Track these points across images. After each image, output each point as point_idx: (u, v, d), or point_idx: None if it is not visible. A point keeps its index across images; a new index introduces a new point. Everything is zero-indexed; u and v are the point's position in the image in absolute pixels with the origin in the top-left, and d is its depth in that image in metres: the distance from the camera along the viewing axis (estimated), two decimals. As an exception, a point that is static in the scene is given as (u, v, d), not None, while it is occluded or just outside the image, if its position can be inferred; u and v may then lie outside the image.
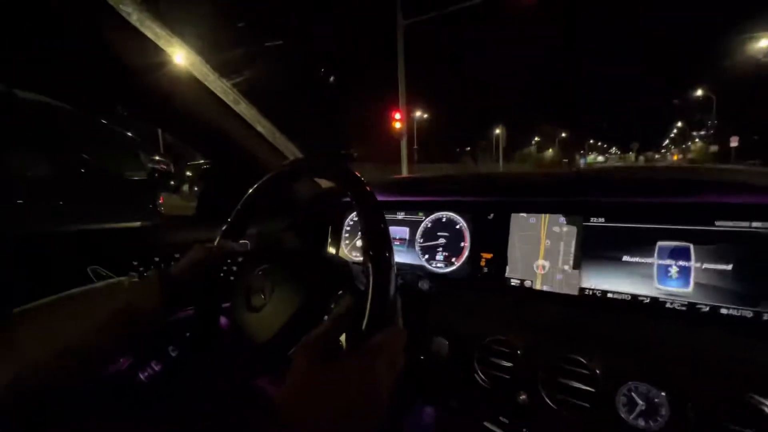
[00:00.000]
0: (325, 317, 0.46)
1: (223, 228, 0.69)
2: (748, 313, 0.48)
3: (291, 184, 0.87)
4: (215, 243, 0.62)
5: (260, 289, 0.57)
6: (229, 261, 0.69)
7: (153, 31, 0.70)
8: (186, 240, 0.95)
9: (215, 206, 1.05)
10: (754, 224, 0.49)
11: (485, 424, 0.55)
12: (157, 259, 0.91)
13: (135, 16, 0.66)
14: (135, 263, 0.87)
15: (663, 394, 0.44)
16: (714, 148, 21.04)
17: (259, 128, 0.95)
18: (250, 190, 0.68)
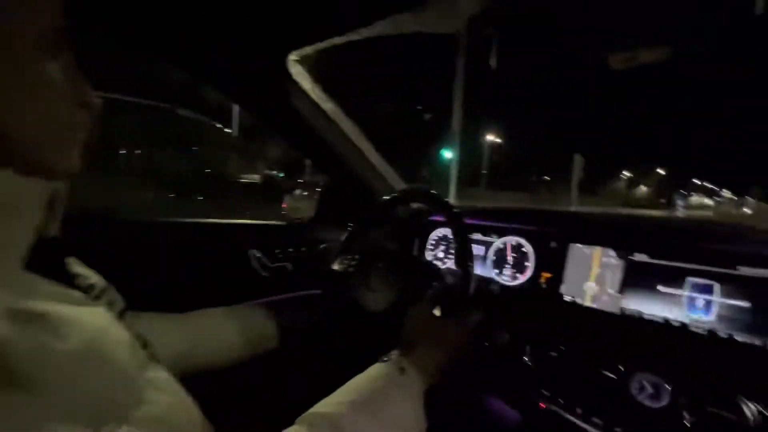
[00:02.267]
0: (427, 295, 0.69)
1: (346, 236, 0.98)
2: (758, 342, 0.61)
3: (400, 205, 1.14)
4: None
5: (376, 278, 0.84)
6: (349, 257, 0.97)
7: (316, 93, 1.03)
8: (310, 238, 1.28)
9: (331, 213, 1.37)
10: (771, 272, 0.62)
11: (544, 392, 0.74)
12: (291, 250, 1.24)
13: (309, 86, 1.00)
14: (277, 251, 1.21)
15: (666, 384, 0.59)
16: None
17: (372, 159, 1.25)
18: (372, 207, 0.96)
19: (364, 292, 0.85)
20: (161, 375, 0.38)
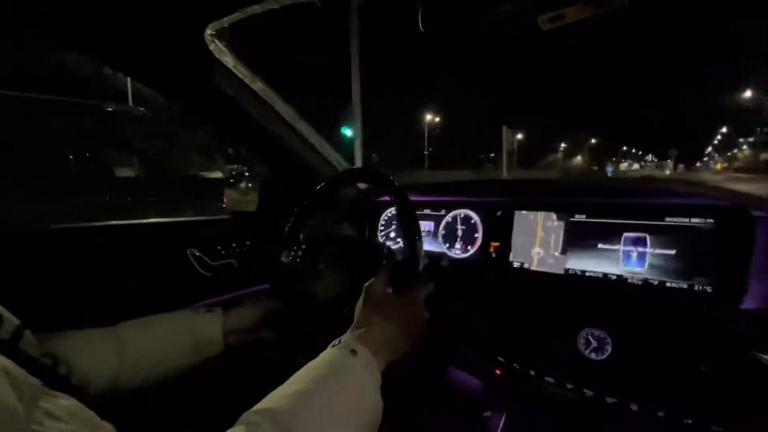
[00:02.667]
0: (377, 274, 0.66)
1: (289, 225, 0.92)
2: (684, 285, 0.65)
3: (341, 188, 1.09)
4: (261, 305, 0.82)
5: (324, 264, 0.80)
6: (295, 247, 0.92)
7: (240, 71, 0.94)
8: (255, 231, 1.20)
9: (275, 202, 1.29)
10: (693, 220, 0.66)
11: (499, 359, 0.75)
12: (234, 245, 1.16)
13: (232, 63, 0.90)
14: (219, 248, 1.12)
15: (609, 336, 0.62)
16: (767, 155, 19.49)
17: (312, 141, 1.18)
18: (313, 193, 0.91)
19: (313, 282, 0.80)
20: (61, 403, 0.33)
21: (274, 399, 0.43)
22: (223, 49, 0.89)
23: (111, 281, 0.90)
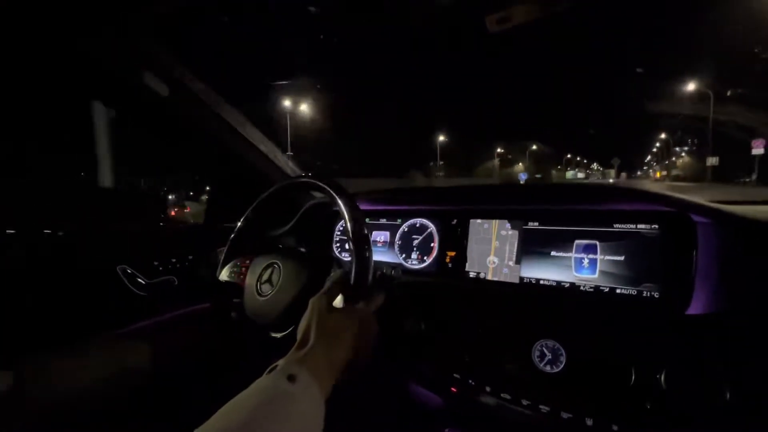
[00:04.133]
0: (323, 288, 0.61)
1: (231, 237, 0.85)
2: (633, 292, 0.65)
3: (290, 195, 1.03)
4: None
5: (268, 280, 0.73)
6: (238, 261, 0.84)
7: (179, 71, 0.86)
8: (199, 245, 1.11)
9: (221, 214, 1.20)
10: (639, 226, 0.67)
11: (455, 375, 0.71)
12: (174, 260, 1.06)
13: (167, 61, 0.83)
14: (155, 263, 1.02)
15: (562, 348, 0.60)
16: (713, 160, 18.90)
17: (262, 147, 1.11)
18: (256, 201, 0.84)
19: (257, 300, 0.73)
20: None
21: None
22: (157, 46, 0.81)
23: (21, 301, 0.78)
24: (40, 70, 0.78)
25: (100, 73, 0.79)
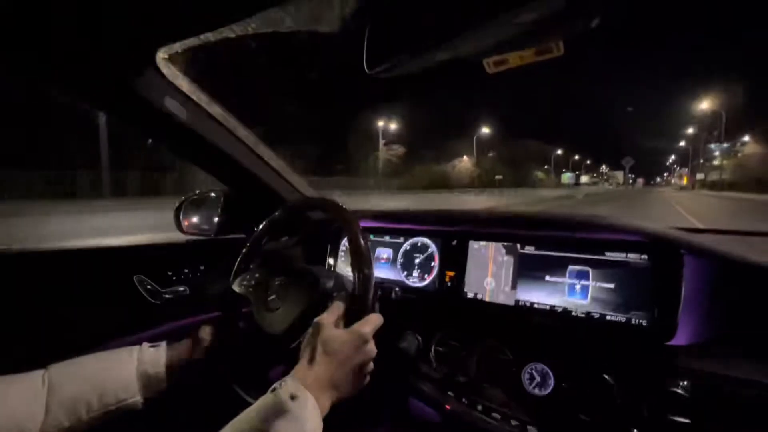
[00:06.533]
0: (328, 308, 0.65)
1: (243, 252, 0.90)
2: (622, 319, 0.68)
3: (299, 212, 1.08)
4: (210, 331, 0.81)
5: (276, 295, 0.78)
6: (249, 273, 0.89)
7: (197, 95, 0.93)
8: (211, 257, 1.16)
9: (232, 228, 1.26)
10: (629, 255, 0.70)
11: (449, 393, 0.74)
12: (186, 271, 1.11)
13: (186, 87, 0.89)
14: (170, 273, 1.08)
15: (551, 371, 0.63)
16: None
17: (274, 166, 1.17)
18: (266, 221, 0.89)
19: (264, 313, 0.78)
20: None
21: None
22: (178, 73, 0.87)
23: (48, 311, 0.84)
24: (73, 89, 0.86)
25: (125, 94, 0.86)
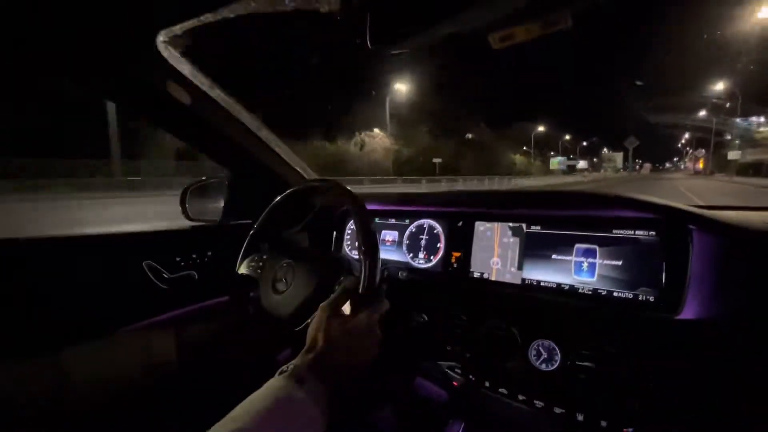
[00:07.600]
0: (334, 291, 0.65)
1: (250, 233, 0.91)
2: (630, 295, 0.68)
3: (304, 196, 1.08)
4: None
5: (283, 278, 0.78)
6: (256, 256, 0.90)
7: (199, 79, 0.92)
8: (218, 241, 1.17)
9: (238, 213, 1.26)
10: (637, 232, 0.69)
11: (456, 371, 0.75)
12: (194, 256, 1.13)
13: (188, 71, 0.88)
14: (178, 259, 1.09)
15: (557, 347, 0.64)
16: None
17: (278, 150, 1.16)
18: (271, 204, 0.89)
19: (270, 296, 0.79)
20: None
21: None
22: (179, 56, 0.86)
23: (61, 296, 0.86)
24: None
25: (124, 78, 0.85)
